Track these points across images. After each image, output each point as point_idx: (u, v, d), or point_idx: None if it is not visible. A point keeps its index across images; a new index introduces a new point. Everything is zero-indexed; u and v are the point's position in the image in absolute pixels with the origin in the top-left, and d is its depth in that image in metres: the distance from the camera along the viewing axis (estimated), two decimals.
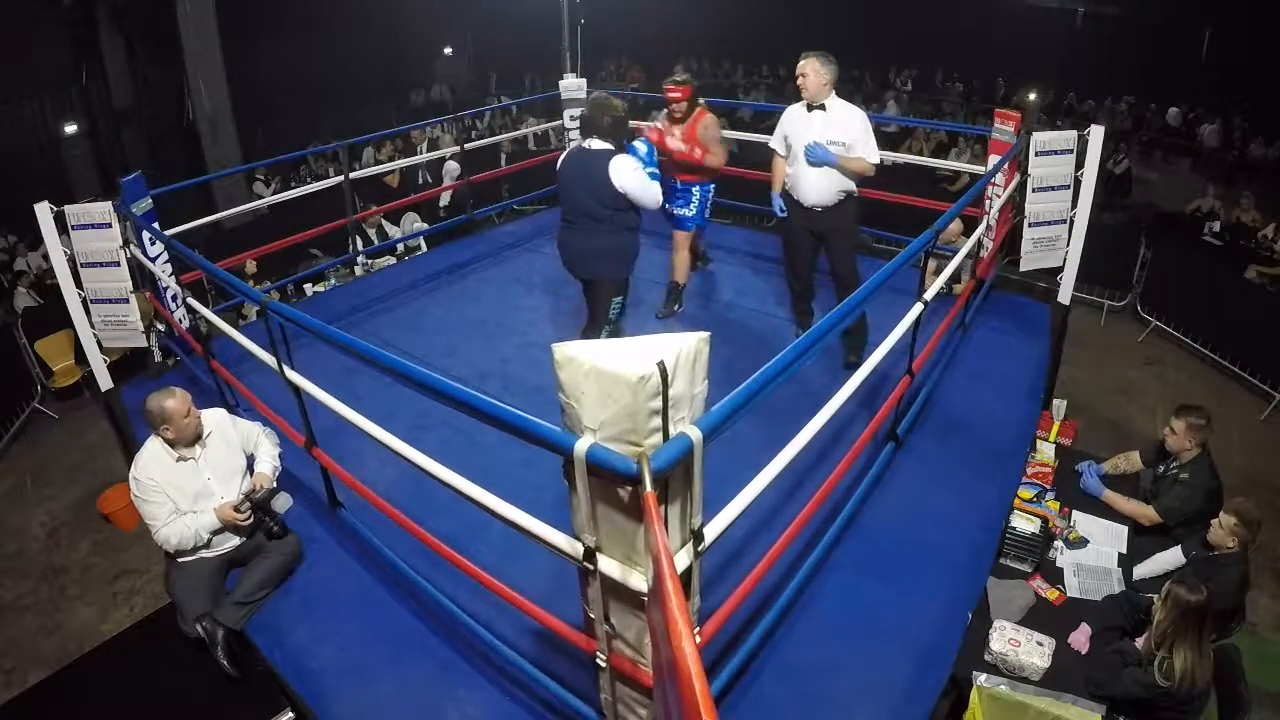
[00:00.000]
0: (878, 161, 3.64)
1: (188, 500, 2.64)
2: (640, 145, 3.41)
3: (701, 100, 4.38)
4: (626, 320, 3.79)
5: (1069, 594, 2.89)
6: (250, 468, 2.88)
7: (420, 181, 9.19)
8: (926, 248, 2.96)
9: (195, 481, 2.66)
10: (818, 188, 3.65)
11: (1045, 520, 3.06)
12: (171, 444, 2.64)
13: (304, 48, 12.50)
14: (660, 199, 3.44)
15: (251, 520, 2.71)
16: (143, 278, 4.14)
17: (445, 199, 8.27)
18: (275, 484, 2.84)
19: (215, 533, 2.69)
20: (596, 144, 3.30)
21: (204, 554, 2.72)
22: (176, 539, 2.59)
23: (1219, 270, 7.22)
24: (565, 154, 3.45)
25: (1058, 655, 2.57)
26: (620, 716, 1.89)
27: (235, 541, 2.77)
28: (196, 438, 2.69)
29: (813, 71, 3.51)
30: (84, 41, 9.81)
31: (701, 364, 1.52)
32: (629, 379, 1.39)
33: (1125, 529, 3.23)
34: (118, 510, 4.87)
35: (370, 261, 6.24)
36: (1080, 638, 2.66)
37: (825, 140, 3.56)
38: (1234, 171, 11.09)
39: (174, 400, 2.61)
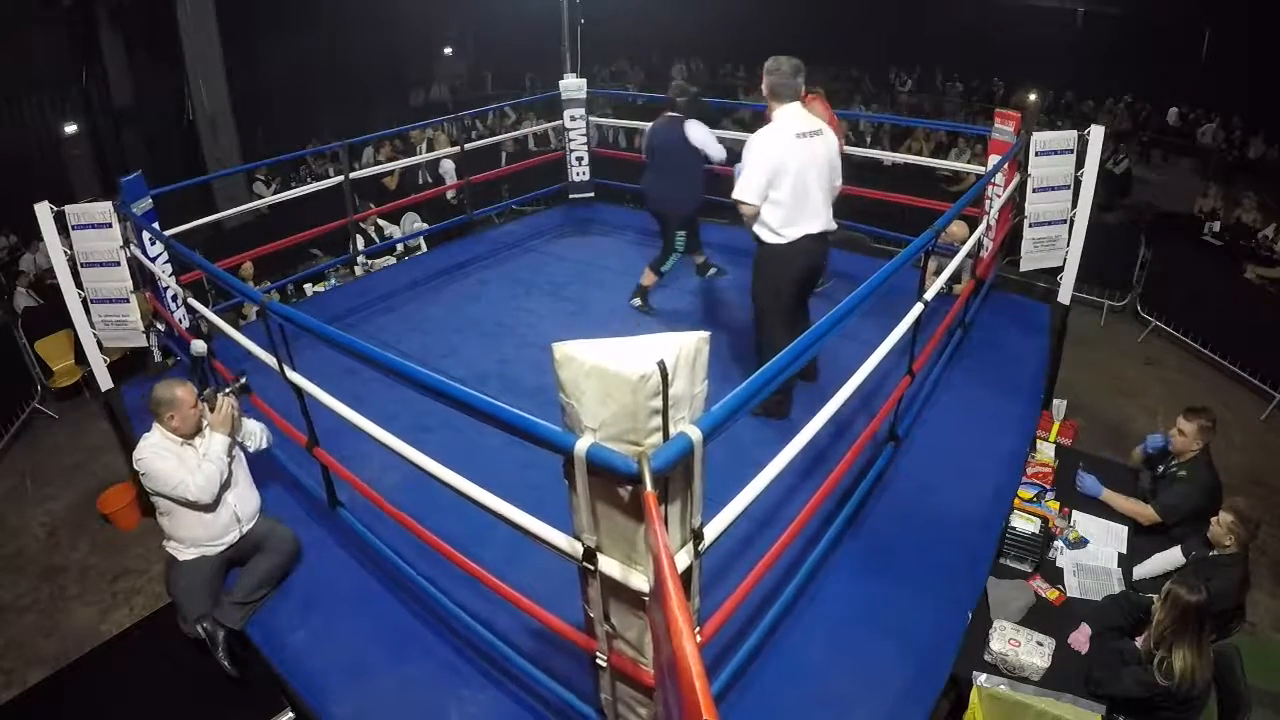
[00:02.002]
0: (738, 196, 3.10)
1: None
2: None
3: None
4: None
5: (1069, 594, 2.89)
6: (247, 464, 2.90)
7: (420, 181, 9.19)
8: (926, 248, 2.96)
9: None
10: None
11: (1045, 520, 3.06)
12: (174, 433, 2.66)
13: (304, 47, 12.50)
14: (723, 153, 4.34)
15: (224, 400, 2.73)
16: (143, 277, 4.14)
17: (451, 194, 8.27)
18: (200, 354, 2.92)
19: (230, 455, 2.72)
20: (675, 114, 4.35)
21: (206, 551, 2.72)
22: (205, 479, 2.60)
23: (1219, 270, 7.23)
24: (654, 123, 4.51)
25: (1058, 655, 2.57)
26: (621, 716, 1.89)
27: (236, 534, 2.77)
28: (197, 431, 2.71)
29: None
30: (84, 41, 9.80)
31: (701, 363, 1.52)
32: (629, 378, 1.39)
33: (1125, 529, 3.23)
34: (118, 510, 4.87)
35: (370, 261, 6.24)
36: (1080, 638, 2.66)
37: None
38: (1234, 171, 11.10)
39: (183, 389, 2.66)
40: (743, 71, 15.72)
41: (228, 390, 2.80)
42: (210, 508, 2.67)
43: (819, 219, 3.13)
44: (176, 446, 2.67)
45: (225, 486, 2.72)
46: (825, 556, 2.61)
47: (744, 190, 3.06)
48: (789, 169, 3.01)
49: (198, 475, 2.60)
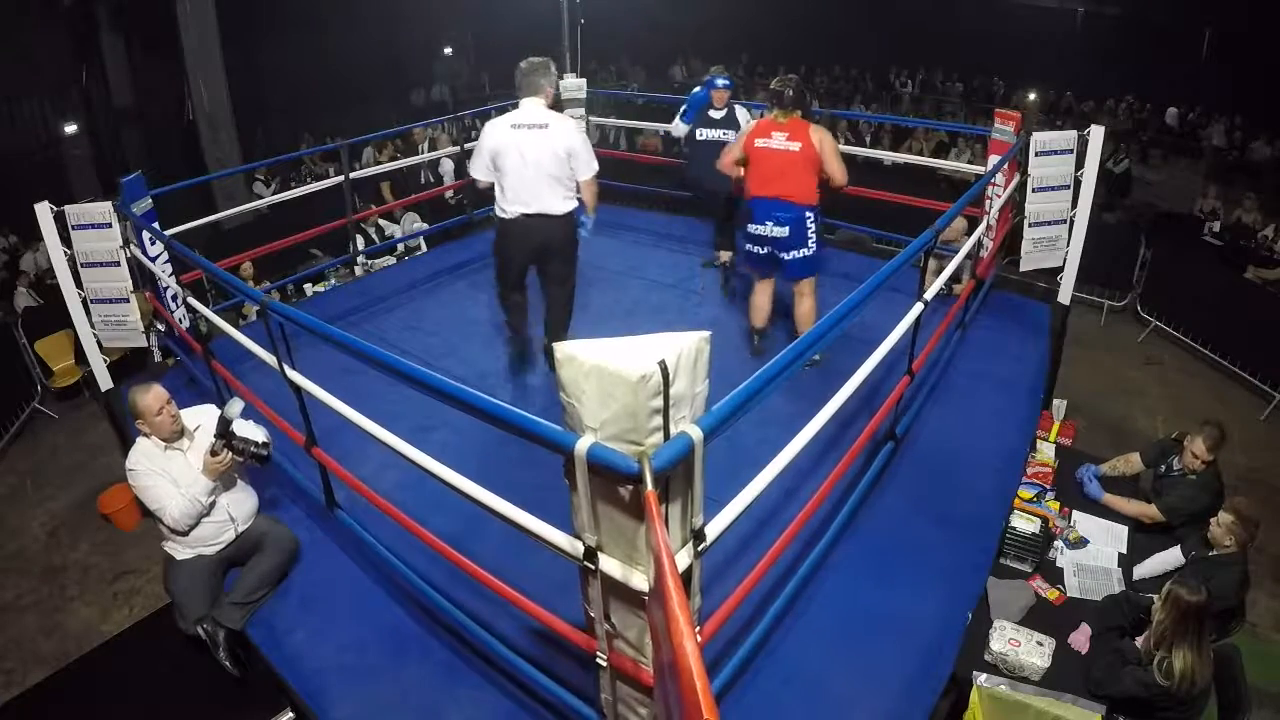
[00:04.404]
0: (469, 172, 3.62)
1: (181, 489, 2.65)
2: None
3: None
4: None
5: (1069, 594, 2.89)
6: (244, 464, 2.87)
7: (422, 181, 9.19)
8: (926, 248, 2.96)
9: (187, 472, 2.65)
10: None
11: (1045, 520, 3.06)
12: (152, 437, 2.65)
13: (304, 47, 12.49)
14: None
15: (228, 455, 2.63)
16: (142, 277, 4.14)
17: (451, 194, 8.26)
18: (231, 417, 2.68)
19: (213, 495, 2.67)
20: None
21: (203, 551, 2.72)
22: (180, 513, 2.58)
23: (1219, 270, 7.23)
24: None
25: (1058, 655, 2.57)
26: (621, 716, 1.89)
27: (232, 534, 2.76)
28: (178, 434, 2.68)
29: None
30: (84, 41, 9.81)
31: (702, 363, 1.52)
32: (630, 378, 1.39)
33: (1125, 529, 3.23)
34: (118, 510, 4.87)
35: (370, 261, 6.24)
36: (1080, 638, 2.66)
37: None
38: (1234, 171, 11.10)
39: (149, 397, 2.60)
40: (741, 72, 15.71)
41: (241, 451, 2.66)
42: (188, 531, 2.66)
43: (536, 202, 3.45)
44: (161, 452, 2.65)
45: (217, 491, 2.70)
46: (825, 556, 2.61)
47: (471, 167, 3.57)
48: (502, 154, 3.40)
49: (175, 507, 2.58)
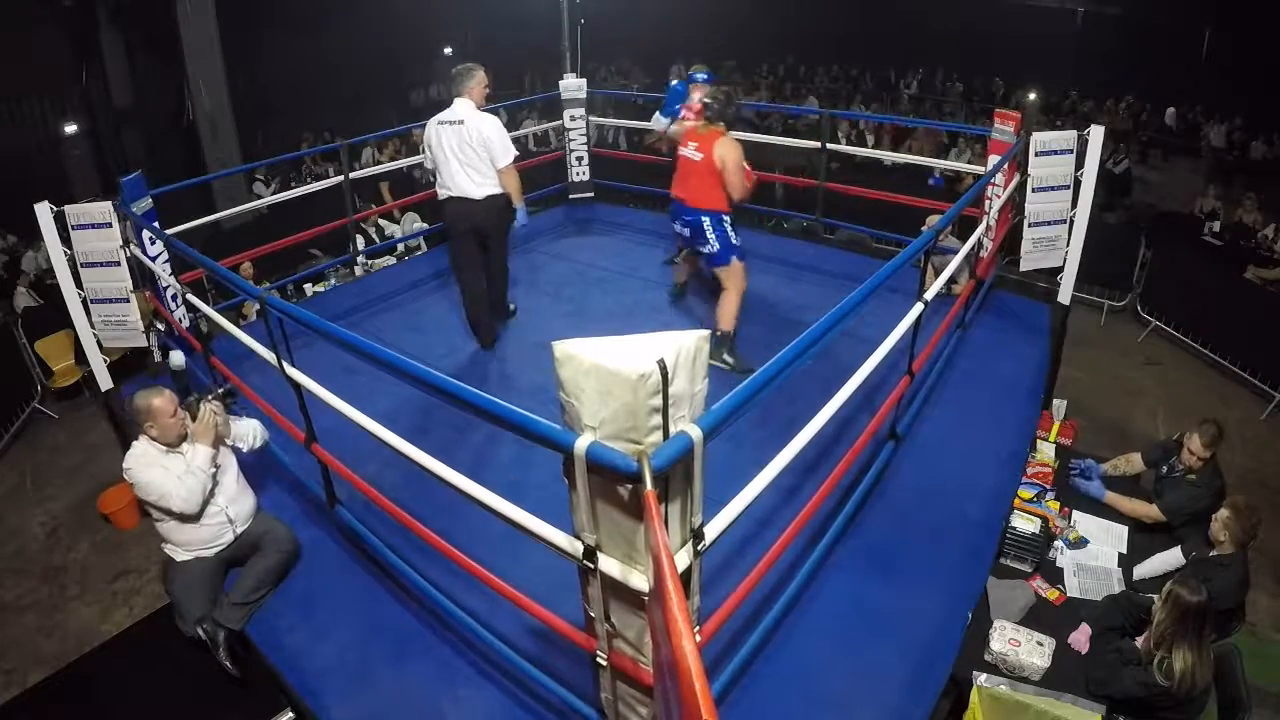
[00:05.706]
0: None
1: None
2: None
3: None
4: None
5: (1069, 594, 2.89)
6: (238, 465, 2.88)
7: (423, 182, 9.19)
8: (926, 248, 2.96)
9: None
10: None
11: (1045, 520, 3.06)
12: (156, 441, 2.64)
13: (304, 47, 12.49)
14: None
15: (207, 410, 2.66)
16: (142, 277, 4.14)
17: None
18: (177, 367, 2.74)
19: (214, 464, 2.67)
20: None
21: (202, 553, 2.72)
22: (187, 491, 2.57)
23: (1219, 270, 7.23)
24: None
25: (1058, 655, 2.57)
26: (621, 715, 1.89)
27: (230, 535, 2.76)
28: (182, 438, 2.68)
29: None
30: (84, 41, 9.80)
31: (701, 362, 1.52)
32: (629, 377, 1.39)
33: (1125, 529, 3.23)
34: (118, 510, 4.87)
35: (370, 261, 6.24)
36: (1080, 638, 2.66)
37: None
38: (1234, 171, 11.09)
39: (161, 399, 2.61)
40: (739, 74, 15.70)
41: (210, 397, 2.70)
42: (197, 516, 2.65)
43: (454, 185, 3.98)
44: (162, 456, 2.64)
45: (214, 492, 2.70)
46: (825, 556, 2.61)
47: (423, 156, 4.17)
48: (431, 146, 3.98)
49: (180, 488, 2.56)
